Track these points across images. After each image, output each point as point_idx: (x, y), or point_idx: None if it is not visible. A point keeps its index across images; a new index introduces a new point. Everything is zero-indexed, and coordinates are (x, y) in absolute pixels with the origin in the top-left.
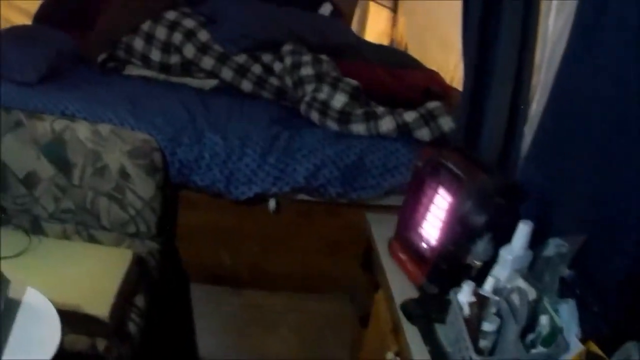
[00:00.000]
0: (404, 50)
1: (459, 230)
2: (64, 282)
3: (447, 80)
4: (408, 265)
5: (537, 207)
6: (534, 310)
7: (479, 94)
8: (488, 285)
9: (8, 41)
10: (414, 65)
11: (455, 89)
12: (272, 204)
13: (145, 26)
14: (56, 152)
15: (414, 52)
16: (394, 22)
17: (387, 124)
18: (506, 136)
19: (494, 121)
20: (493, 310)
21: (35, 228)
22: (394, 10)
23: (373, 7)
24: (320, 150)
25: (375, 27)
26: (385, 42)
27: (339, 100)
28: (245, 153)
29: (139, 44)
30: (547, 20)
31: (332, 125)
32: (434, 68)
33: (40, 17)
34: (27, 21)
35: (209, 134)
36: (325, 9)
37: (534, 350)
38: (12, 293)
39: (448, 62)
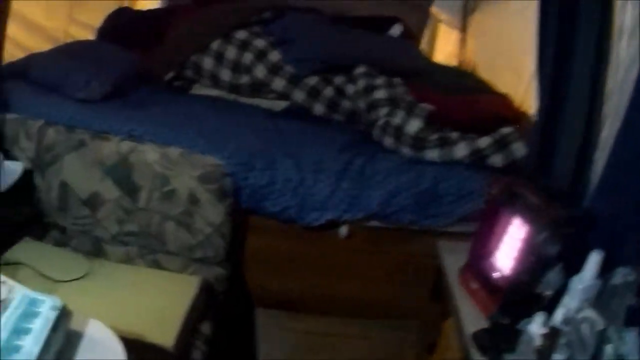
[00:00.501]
0: (473, 71)
1: (533, 260)
2: (127, 308)
3: (517, 103)
4: (479, 295)
5: (605, 234)
6: (600, 340)
7: (552, 120)
8: (559, 315)
9: (71, 56)
10: (484, 88)
11: (526, 114)
12: (343, 230)
13: (215, 45)
14: (122, 174)
15: (483, 73)
16: (462, 43)
17: (461, 150)
18: (577, 163)
19: (567, 147)
20: (563, 340)
21: (96, 250)
22: (463, 30)
23: (442, 28)
24: (394, 176)
25: (444, 48)
26: (453, 63)
27: (414, 125)
28: (318, 179)
29: (208, 63)
30: (619, 44)
31: (406, 150)
32: (503, 90)
33: (104, 32)
34: (90, 36)
35: (282, 159)
36: (395, 30)
37: None
38: (74, 325)
39: (518, 85)
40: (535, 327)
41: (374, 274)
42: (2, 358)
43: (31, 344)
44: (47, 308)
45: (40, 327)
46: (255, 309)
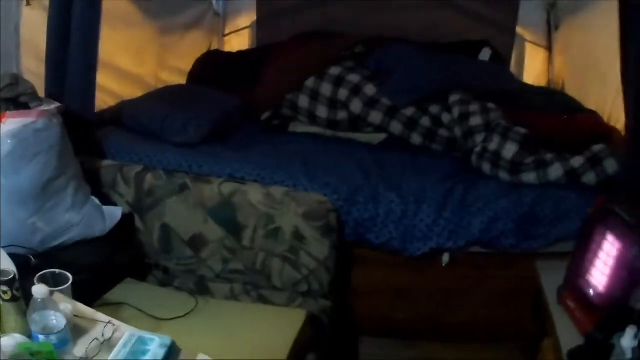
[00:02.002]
0: (562, 89)
1: (627, 276)
2: (234, 344)
3: (605, 118)
4: (576, 313)
5: None
6: None
7: None
8: None
9: (165, 101)
10: (575, 107)
11: (616, 129)
12: (445, 258)
13: (310, 83)
14: (225, 215)
15: (572, 89)
16: (550, 61)
17: (556, 171)
18: None
19: None
20: None
21: (200, 288)
22: (549, 48)
23: (529, 48)
24: (494, 202)
25: (533, 68)
26: (543, 82)
27: (510, 150)
28: (420, 209)
29: (304, 101)
30: None
31: (504, 175)
32: (591, 106)
33: (195, 75)
34: (181, 80)
35: (384, 192)
36: (485, 54)
37: None
38: None
39: (605, 99)
40: (627, 341)
41: (476, 299)
42: None
43: None
44: (156, 346)
45: None
46: (360, 338)
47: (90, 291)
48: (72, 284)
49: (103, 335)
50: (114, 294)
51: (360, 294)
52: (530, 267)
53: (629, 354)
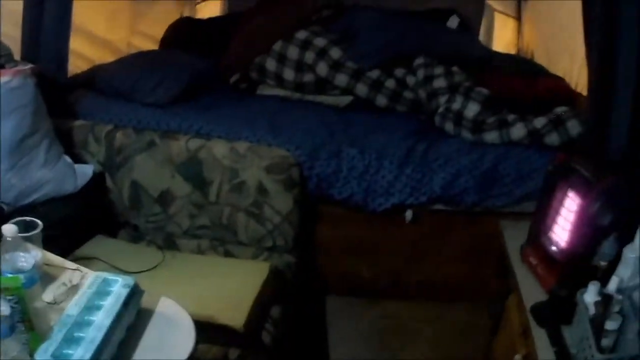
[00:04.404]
0: (531, 58)
1: (588, 232)
2: (199, 293)
3: (572, 85)
4: (539, 270)
5: None
6: None
7: (605, 97)
8: (612, 284)
9: (137, 65)
10: (541, 72)
11: (581, 94)
12: (409, 214)
13: (277, 46)
14: (192, 170)
15: (541, 58)
16: (519, 31)
17: (518, 131)
18: (631, 136)
19: (619, 122)
20: (616, 309)
21: (169, 245)
22: (518, 18)
23: (499, 17)
24: (455, 159)
25: (503, 37)
26: (512, 51)
27: (472, 109)
28: (382, 165)
29: (271, 64)
30: None
31: (466, 134)
32: (560, 74)
33: (167, 42)
34: (153, 47)
35: (346, 148)
36: (453, 22)
37: None
38: (146, 303)
39: (572, 67)
40: (589, 296)
41: (440, 256)
42: (74, 332)
43: (102, 318)
44: (119, 286)
45: (111, 303)
46: (328, 296)
47: (61, 246)
48: (43, 239)
49: (71, 281)
50: (85, 250)
51: (325, 251)
52: (494, 226)
53: (591, 310)
